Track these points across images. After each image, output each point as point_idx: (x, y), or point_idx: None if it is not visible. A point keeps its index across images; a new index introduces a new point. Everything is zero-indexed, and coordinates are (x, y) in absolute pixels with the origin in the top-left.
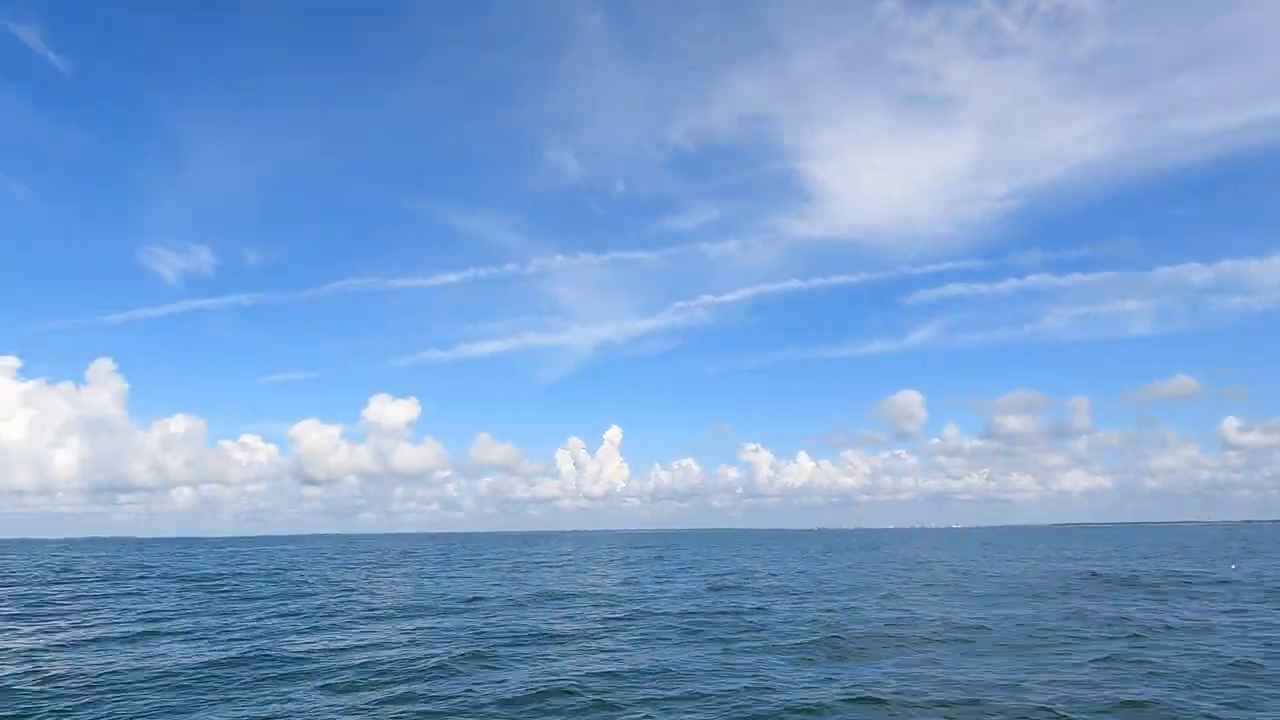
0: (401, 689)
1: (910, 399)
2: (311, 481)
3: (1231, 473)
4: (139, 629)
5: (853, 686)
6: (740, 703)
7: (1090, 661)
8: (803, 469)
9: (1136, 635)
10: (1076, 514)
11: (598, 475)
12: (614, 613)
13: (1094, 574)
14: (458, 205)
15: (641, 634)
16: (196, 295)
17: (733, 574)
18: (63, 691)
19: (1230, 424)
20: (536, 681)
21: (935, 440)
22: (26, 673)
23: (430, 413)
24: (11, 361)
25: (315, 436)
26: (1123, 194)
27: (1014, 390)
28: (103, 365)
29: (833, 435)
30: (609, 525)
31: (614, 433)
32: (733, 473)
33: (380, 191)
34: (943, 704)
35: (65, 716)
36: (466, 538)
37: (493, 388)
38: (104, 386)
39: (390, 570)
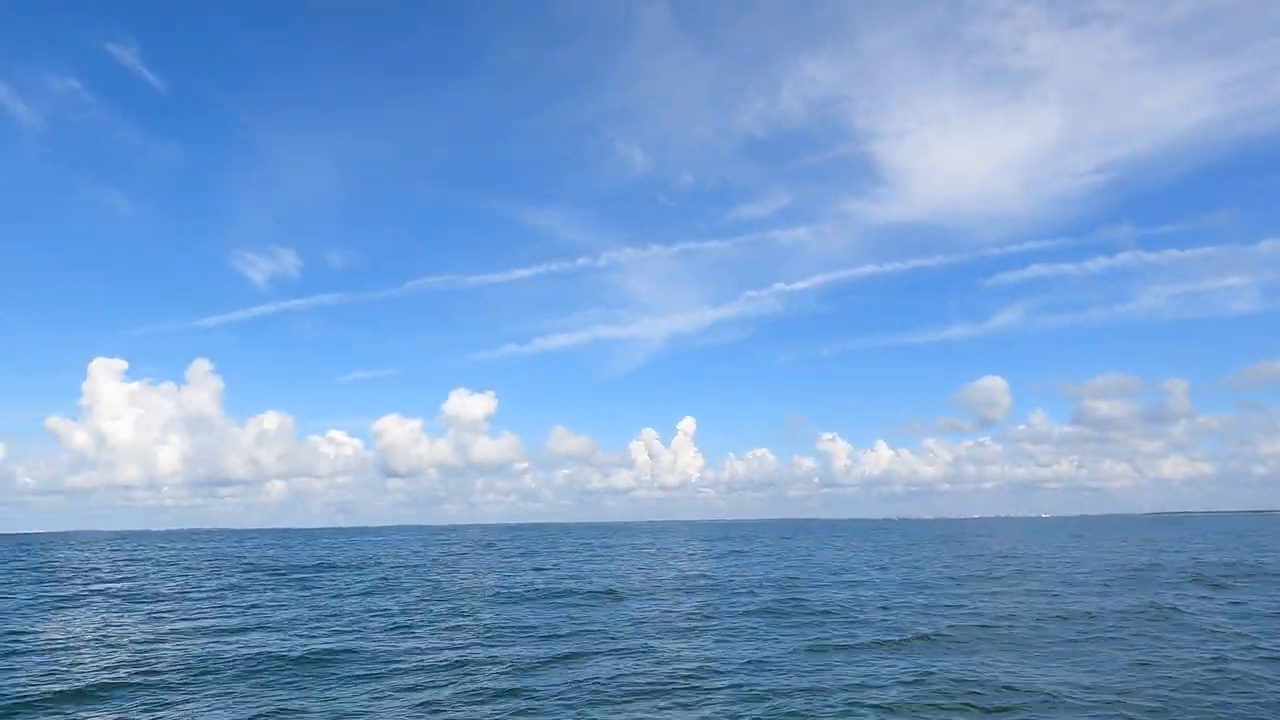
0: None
1: (993, 384)
2: (394, 474)
3: None
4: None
5: (935, 677)
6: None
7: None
8: (881, 458)
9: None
10: (1176, 502)
11: (672, 465)
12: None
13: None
14: (528, 202)
15: (727, 626)
16: (283, 297)
17: (817, 567)
18: (166, 682)
19: None
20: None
21: (1021, 427)
22: (133, 661)
23: (507, 406)
24: (120, 364)
25: (397, 431)
26: (1220, 164)
27: (1104, 373)
28: (201, 366)
29: (911, 423)
30: (685, 515)
31: (687, 423)
32: (809, 462)
33: (452, 191)
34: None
35: (168, 707)
36: (546, 528)
37: (567, 380)
38: (202, 386)
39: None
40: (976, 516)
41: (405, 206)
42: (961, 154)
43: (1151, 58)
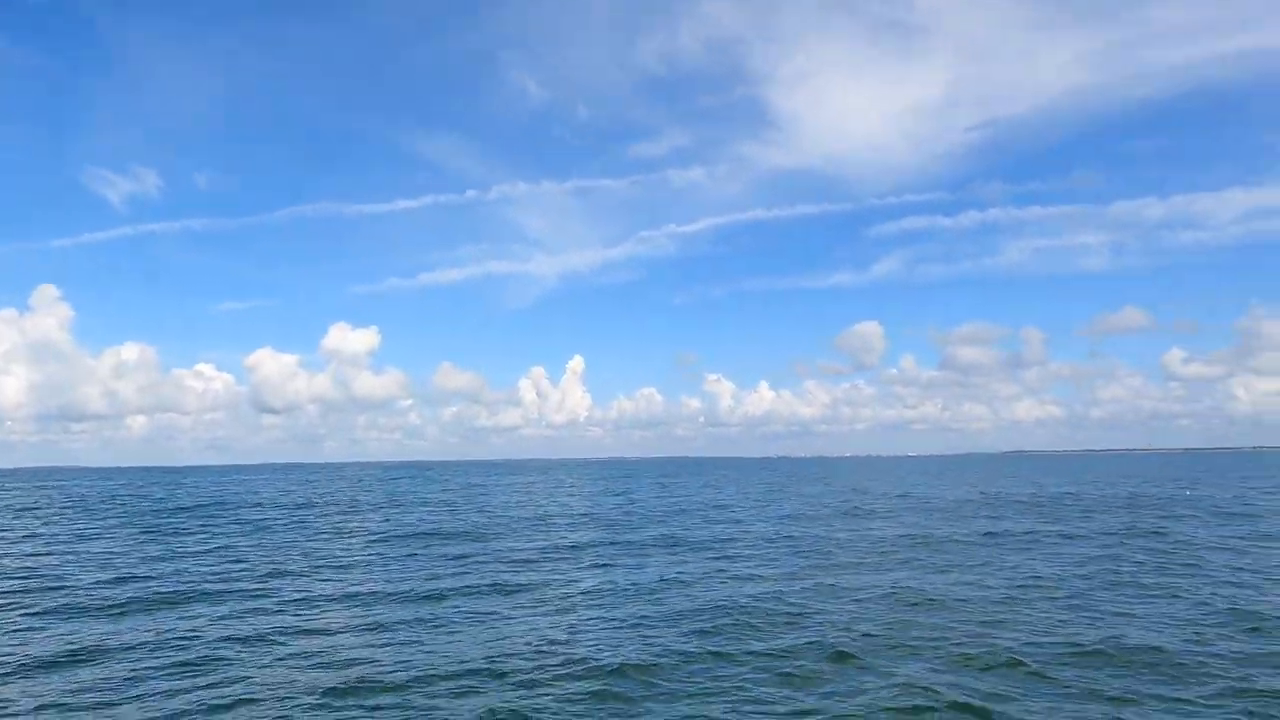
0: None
1: (870, 330)
2: (270, 410)
3: (1174, 403)
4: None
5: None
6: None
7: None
8: (764, 399)
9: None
10: (1028, 442)
11: (561, 404)
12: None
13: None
14: (417, 129)
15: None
16: (143, 219)
17: (714, 502)
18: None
19: (1175, 355)
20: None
21: (893, 371)
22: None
23: (392, 341)
24: None
25: (272, 365)
26: (1089, 127)
27: (970, 322)
28: (47, 291)
29: (794, 365)
30: (572, 454)
31: (577, 362)
32: (695, 402)
33: (336, 114)
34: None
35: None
36: (431, 466)
37: (456, 316)
38: (49, 313)
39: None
40: (849, 455)
41: (284, 128)
42: (852, 103)
43: (1032, 21)
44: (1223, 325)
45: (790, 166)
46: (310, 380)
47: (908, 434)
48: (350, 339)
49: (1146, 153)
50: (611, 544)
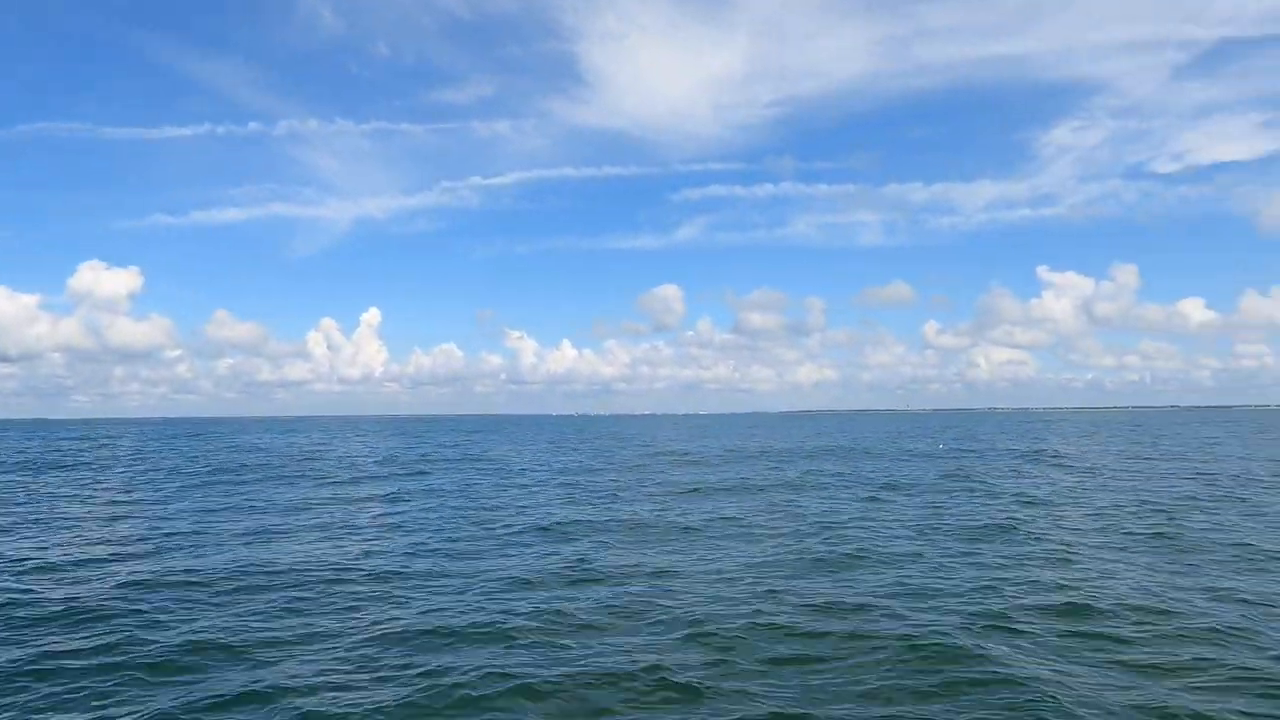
0: None
1: (670, 293)
2: (2, 358)
3: (929, 369)
4: None
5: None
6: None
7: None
8: (565, 357)
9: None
10: (807, 403)
11: (354, 358)
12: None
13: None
14: (191, 49)
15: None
16: None
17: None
18: None
19: (931, 327)
20: None
21: (690, 333)
22: None
23: (158, 285)
24: None
25: (6, 305)
26: (869, 112)
27: (760, 289)
28: None
29: (596, 325)
30: (365, 410)
31: (372, 314)
32: (496, 359)
33: (94, 20)
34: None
35: None
36: (203, 423)
37: (234, 261)
38: None
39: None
40: (646, 413)
41: (30, 30)
42: (661, 68)
43: (826, 6)
44: (969, 301)
45: (599, 126)
46: (54, 325)
47: (702, 393)
48: (105, 280)
49: (916, 141)
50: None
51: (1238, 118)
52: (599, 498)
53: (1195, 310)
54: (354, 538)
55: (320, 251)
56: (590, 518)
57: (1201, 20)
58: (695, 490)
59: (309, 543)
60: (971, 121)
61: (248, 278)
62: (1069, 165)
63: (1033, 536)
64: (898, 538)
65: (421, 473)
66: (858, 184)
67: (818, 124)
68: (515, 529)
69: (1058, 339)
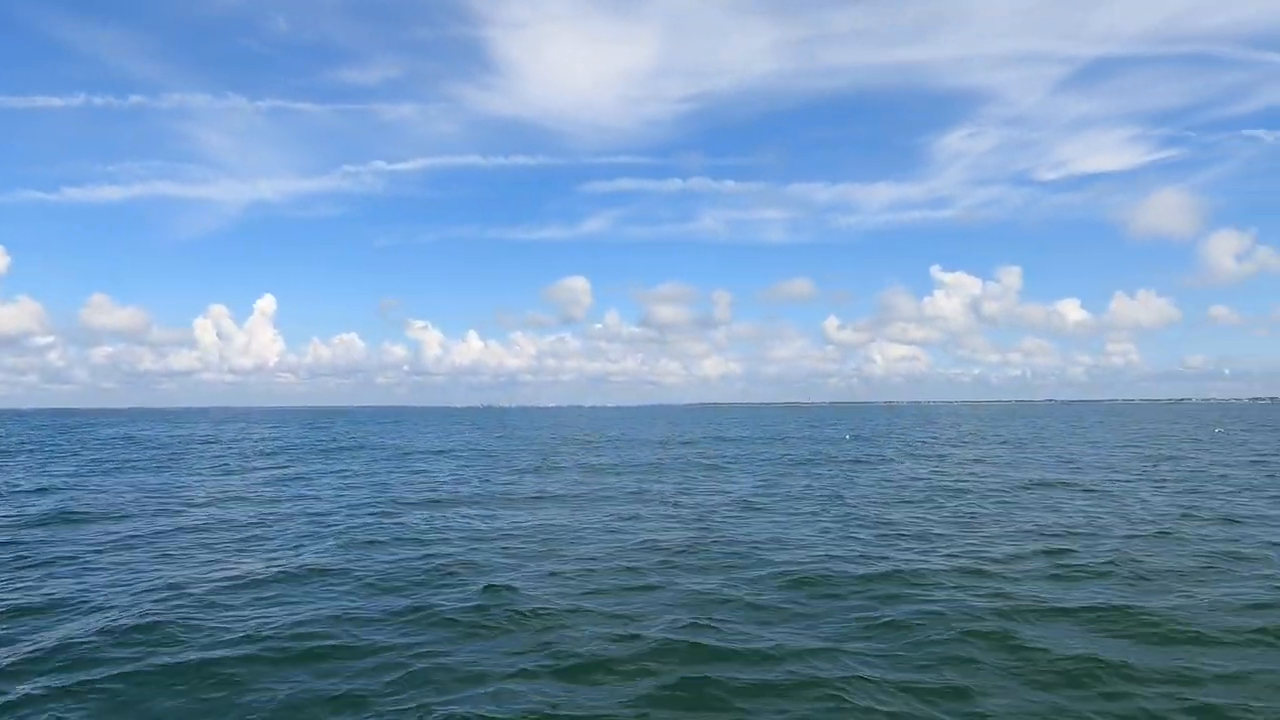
0: None
1: (578, 285)
2: None
3: (829, 363)
4: None
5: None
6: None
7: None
8: (471, 348)
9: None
10: (713, 395)
11: (247, 347)
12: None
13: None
14: (68, 11)
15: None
16: None
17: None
18: None
19: (831, 322)
20: None
21: (598, 325)
22: None
23: (26, 265)
24: None
25: None
26: (777, 112)
27: (669, 282)
28: None
29: (503, 316)
30: (259, 401)
31: (267, 302)
32: (400, 350)
33: None
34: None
35: None
36: (78, 414)
37: (114, 242)
38: None
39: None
40: (553, 405)
41: None
42: (572, 60)
43: (735, 6)
44: (868, 298)
45: (508, 114)
46: None
47: (609, 386)
48: None
49: (821, 141)
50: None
51: (1111, 131)
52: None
53: (1071, 310)
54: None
55: (209, 234)
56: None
57: (1080, 38)
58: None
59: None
60: (873, 125)
61: (128, 260)
62: (961, 170)
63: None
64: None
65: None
66: (764, 182)
67: (726, 121)
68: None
69: (948, 336)
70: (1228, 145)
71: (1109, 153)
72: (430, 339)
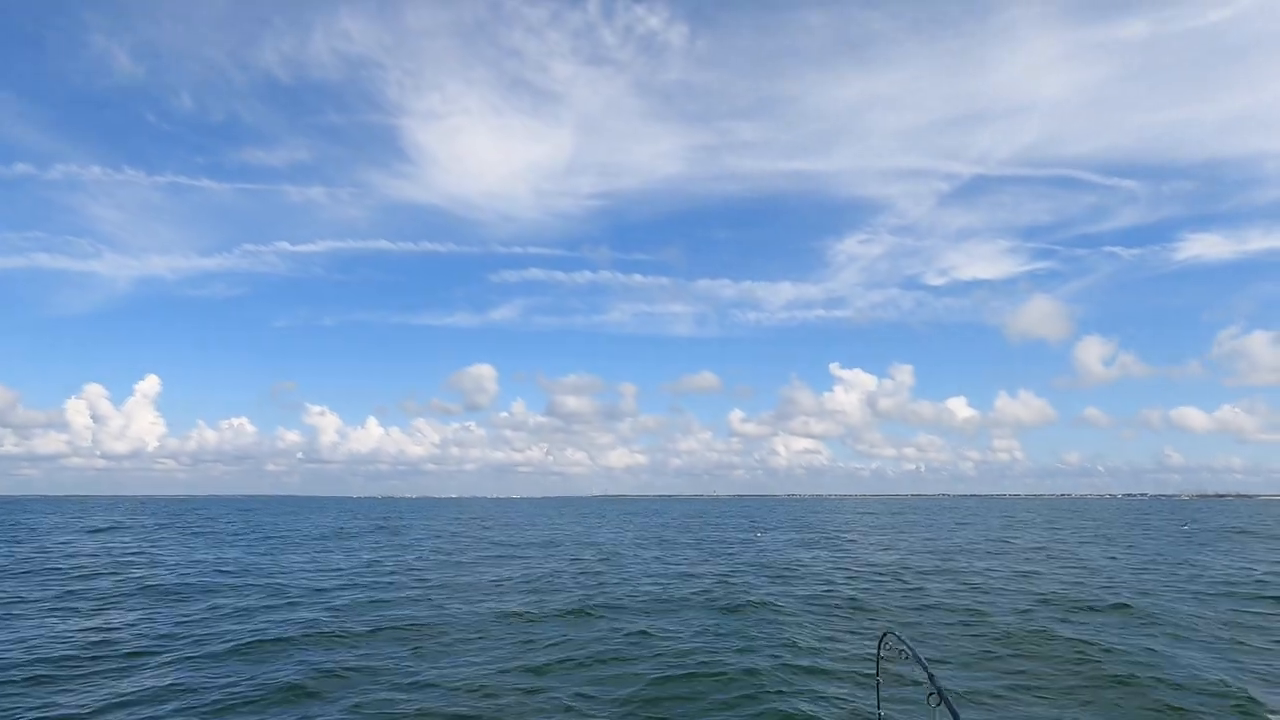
0: None
1: (484, 372)
2: None
3: (734, 455)
4: None
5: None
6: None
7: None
8: (372, 435)
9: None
10: (617, 487)
11: (123, 431)
12: None
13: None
14: None
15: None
16: None
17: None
18: None
19: (736, 415)
20: None
21: (504, 414)
22: None
23: None
24: None
25: None
26: (685, 211)
27: (576, 373)
28: None
29: (406, 402)
30: (129, 490)
31: (150, 382)
32: (294, 435)
33: None
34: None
35: None
36: None
37: None
38: None
39: None
40: (455, 496)
41: None
42: (486, 151)
43: (647, 110)
44: (771, 392)
45: (419, 201)
46: None
47: (514, 476)
48: None
49: (726, 241)
50: None
51: (990, 243)
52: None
53: (960, 408)
54: None
55: (92, 311)
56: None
57: (961, 158)
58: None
59: None
60: (775, 227)
61: None
62: (857, 273)
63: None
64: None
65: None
66: (672, 277)
67: (636, 218)
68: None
69: (847, 430)
70: (1091, 260)
71: (988, 262)
72: (328, 424)
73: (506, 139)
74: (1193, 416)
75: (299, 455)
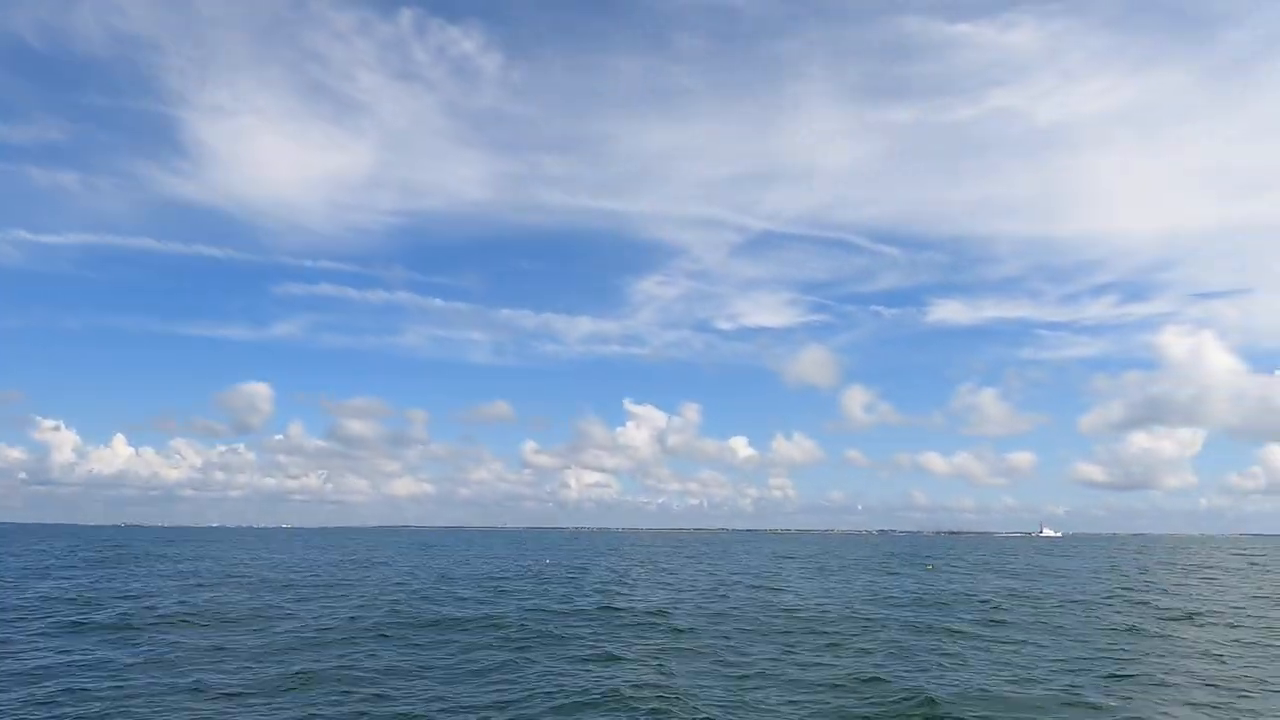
0: None
1: (258, 390)
2: None
3: (525, 486)
4: None
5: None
6: None
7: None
8: (118, 455)
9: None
10: (403, 517)
11: None
12: None
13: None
14: None
15: None
16: None
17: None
18: None
19: (530, 446)
20: None
21: (279, 437)
22: None
23: None
24: None
25: None
26: (488, 238)
27: (362, 396)
28: None
29: (163, 420)
30: None
31: None
32: (17, 453)
33: None
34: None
35: None
36: None
37: None
38: None
39: None
40: (216, 525)
41: None
42: (277, 154)
43: (456, 133)
44: (565, 425)
45: (195, 200)
46: None
47: (287, 504)
48: None
49: (528, 271)
50: None
51: (772, 294)
52: None
53: (741, 447)
54: None
55: None
56: None
57: (752, 213)
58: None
59: None
60: (577, 262)
61: None
62: (653, 313)
63: None
64: None
65: None
66: (471, 303)
67: (438, 240)
68: None
69: (636, 465)
70: (859, 316)
71: (771, 311)
72: (63, 441)
73: (302, 145)
74: (935, 461)
75: (21, 475)
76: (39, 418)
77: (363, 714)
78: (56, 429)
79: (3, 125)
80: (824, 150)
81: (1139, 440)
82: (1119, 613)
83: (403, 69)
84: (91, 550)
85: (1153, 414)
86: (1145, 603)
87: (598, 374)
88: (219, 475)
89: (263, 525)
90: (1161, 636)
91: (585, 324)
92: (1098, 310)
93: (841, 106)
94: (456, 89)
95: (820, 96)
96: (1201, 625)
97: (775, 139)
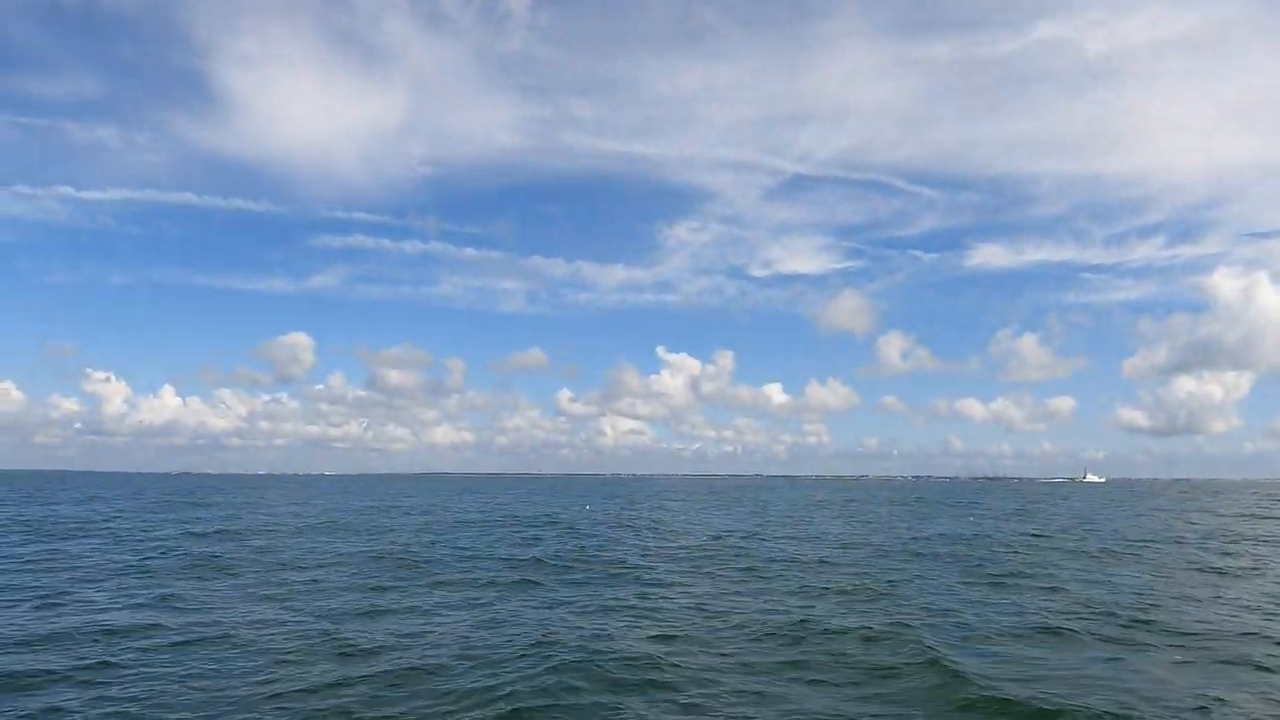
0: None
1: (299, 341)
2: None
3: (560, 434)
4: None
5: None
6: None
7: None
8: (167, 405)
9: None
10: (442, 464)
11: None
12: None
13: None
14: None
15: None
16: None
17: None
18: None
19: (565, 395)
20: None
21: (320, 387)
22: None
23: None
24: None
25: None
26: (519, 185)
27: (400, 345)
28: None
29: (208, 371)
30: None
31: None
32: (72, 404)
33: None
34: None
35: None
36: None
37: None
38: None
39: None
40: (264, 473)
41: None
42: (307, 105)
43: (485, 79)
44: (599, 373)
45: (231, 153)
46: None
47: (329, 452)
48: None
49: (560, 218)
50: None
51: (807, 239)
52: None
53: (775, 393)
54: None
55: None
56: None
57: (785, 155)
58: None
59: None
60: (608, 208)
61: None
62: (685, 259)
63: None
64: None
65: None
66: (503, 252)
67: (469, 189)
68: None
69: (671, 412)
70: (896, 261)
71: (805, 257)
72: (114, 393)
73: (332, 95)
74: (973, 407)
75: (77, 426)
76: (90, 370)
77: None
78: (107, 380)
79: (41, 79)
80: (858, 88)
81: (1184, 384)
82: None
83: (431, 15)
84: (180, 496)
85: (1199, 357)
86: None
87: (630, 322)
88: (264, 424)
89: (306, 472)
90: None
91: (618, 272)
92: (1145, 251)
93: (876, 42)
94: (485, 33)
95: (853, 33)
96: None
97: (807, 78)
